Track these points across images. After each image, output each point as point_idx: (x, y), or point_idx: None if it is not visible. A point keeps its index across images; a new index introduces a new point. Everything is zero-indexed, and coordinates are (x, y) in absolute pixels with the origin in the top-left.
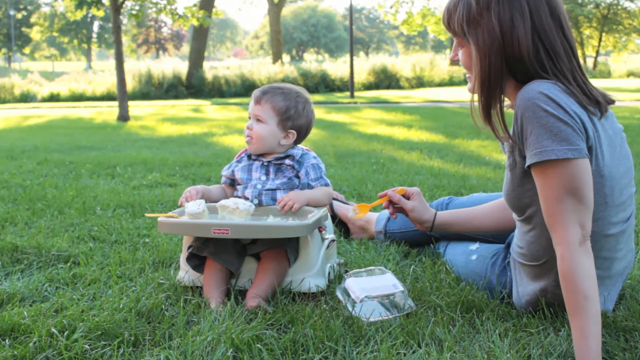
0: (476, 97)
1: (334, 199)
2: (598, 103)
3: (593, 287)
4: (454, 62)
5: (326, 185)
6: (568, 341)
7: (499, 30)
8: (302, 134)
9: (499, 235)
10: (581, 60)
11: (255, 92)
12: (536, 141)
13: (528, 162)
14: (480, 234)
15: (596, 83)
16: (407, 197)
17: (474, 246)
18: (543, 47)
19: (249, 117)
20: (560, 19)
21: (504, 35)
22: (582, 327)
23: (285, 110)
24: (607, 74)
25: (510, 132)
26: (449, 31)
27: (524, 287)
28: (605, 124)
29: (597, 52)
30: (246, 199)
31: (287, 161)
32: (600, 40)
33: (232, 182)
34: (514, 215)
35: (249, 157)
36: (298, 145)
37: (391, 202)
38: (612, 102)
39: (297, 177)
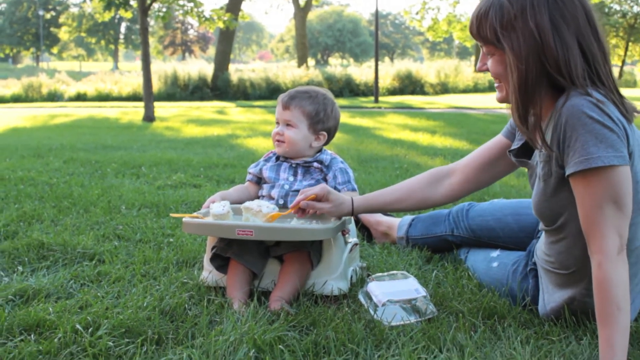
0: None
1: None
2: (627, 110)
3: (626, 297)
4: (482, 71)
5: (353, 190)
6: (590, 350)
7: (537, 34)
8: (331, 135)
9: (520, 243)
10: None
11: (283, 98)
12: (582, 148)
13: (573, 170)
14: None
15: (622, 92)
16: (318, 199)
17: (495, 253)
18: (582, 51)
19: (277, 123)
20: (595, 25)
21: (543, 38)
22: (610, 337)
23: (315, 114)
24: (633, 84)
25: (548, 140)
26: (477, 39)
27: (549, 295)
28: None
29: (623, 62)
30: (271, 198)
31: (316, 164)
32: (626, 49)
33: (259, 180)
34: (541, 225)
35: (278, 158)
36: (326, 149)
37: (302, 210)
38: (638, 112)
39: (325, 180)
